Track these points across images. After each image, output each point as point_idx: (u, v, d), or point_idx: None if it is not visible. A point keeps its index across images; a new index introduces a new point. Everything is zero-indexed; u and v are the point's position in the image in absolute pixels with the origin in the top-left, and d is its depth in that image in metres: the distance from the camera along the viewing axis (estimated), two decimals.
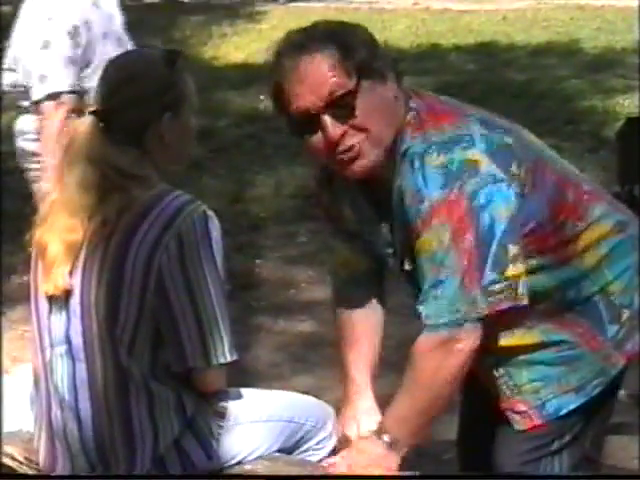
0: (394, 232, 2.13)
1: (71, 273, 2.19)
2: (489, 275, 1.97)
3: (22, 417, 2.45)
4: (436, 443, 3.19)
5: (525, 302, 2.01)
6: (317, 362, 4.38)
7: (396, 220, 2.10)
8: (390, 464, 2.07)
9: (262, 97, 9.78)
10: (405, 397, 2.07)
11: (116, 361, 2.17)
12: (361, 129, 2.02)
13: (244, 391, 2.42)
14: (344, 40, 2.02)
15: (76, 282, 2.20)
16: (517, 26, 12.83)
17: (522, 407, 2.19)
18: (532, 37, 11.92)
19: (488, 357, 2.11)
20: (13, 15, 4.22)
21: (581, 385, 2.18)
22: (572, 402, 2.18)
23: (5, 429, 2.55)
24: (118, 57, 2.42)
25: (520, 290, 2.00)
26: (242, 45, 13.21)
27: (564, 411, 2.18)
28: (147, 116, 2.21)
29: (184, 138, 2.28)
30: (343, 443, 2.33)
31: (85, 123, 2.23)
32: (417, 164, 2.00)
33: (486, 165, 1.97)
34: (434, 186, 1.96)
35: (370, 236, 2.24)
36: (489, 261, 1.96)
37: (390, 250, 2.18)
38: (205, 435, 2.23)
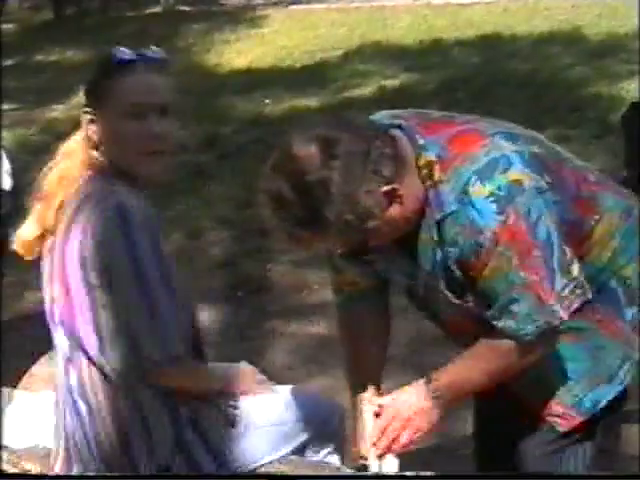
0: (419, 267, 2.12)
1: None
2: (559, 282, 2.00)
3: (38, 432, 2.46)
4: (451, 439, 3.19)
5: (590, 294, 2.06)
6: (331, 363, 4.37)
7: (424, 255, 2.09)
8: (432, 418, 2.11)
9: (267, 101, 9.82)
10: (467, 372, 2.11)
11: (95, 365, 2.19)
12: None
13: (271, 395, 2.42)
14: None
15: (49, 288, 2.26)
16: (519, 17, 12.81)
17: (560, 409, 2.19)
18: (534, 27, 11.89)
19: None
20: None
21: (611, 374, 2.18)
22: (608, 393, 2.19)
23: (22, 445, 2.57)
24: None
25: (585, 284, 2.05)
26: (245, 50, 13.22)
27: (603, 403, 2.19)
28: (84, 106, 2.29)
29: (114, 141, 2.22)
30: (354, 456, 2.29)
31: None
32: (464, 200, 1.99)
33: (527, 180, 1.99)
34: (489, 216, 1.97)
35: (383, 266, 2.24)
36: (557, 269, 2.00)
37: (412, 282, 2.18)
38: (216, 442, 2.23)
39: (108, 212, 2.11)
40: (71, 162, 2.28)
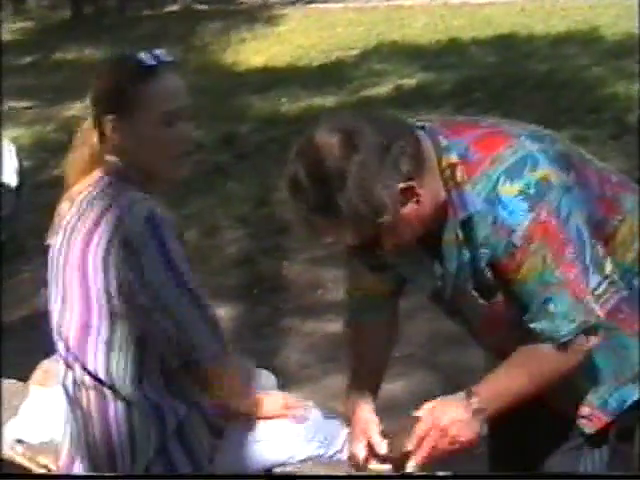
0: (446, 269, 2.11)
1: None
2: (594, 279, 2.00)
3: (53, 427, 2.47)
4: None
5: (625, 291, 2.06)
6: (347, 361, 4.37)
7: (449, 257, 2.08)
8: (473, 430, 2.04)
9: (283, 100, 9.83)
10: (509, 380, 2.06)
11: (90, 371, 2.19)
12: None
13: None
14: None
15: (54, 288, 2.25)
16: (536, 17, 12.80)
17: (586, 410, 2.17)
18: (551, 27, 11.88)
19: None
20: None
21: (636, 373, 2.17)
22: (633, 393, 2.17)
23: (38, 440, 2.58)
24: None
25: (619, 281, 2.05)
26: (261, 49, 13.24)
27: (629, 402, 2.17)
28: (98, 117, 2.24)
29: (146, 146, 2.21)
30: (352, 460, 2.27)
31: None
32: (493, 199, 1.98)
33: (555, 177, 1.98)
34: (520, 213, 1.96)
35: (408, 270, 2.24)
36: (590, 266, 1.99)
37: (439, 283, 2.17)
38: (197, 453, 2.24)
39: (140, 224, 2.11)
40: (83, 163, 2.27)
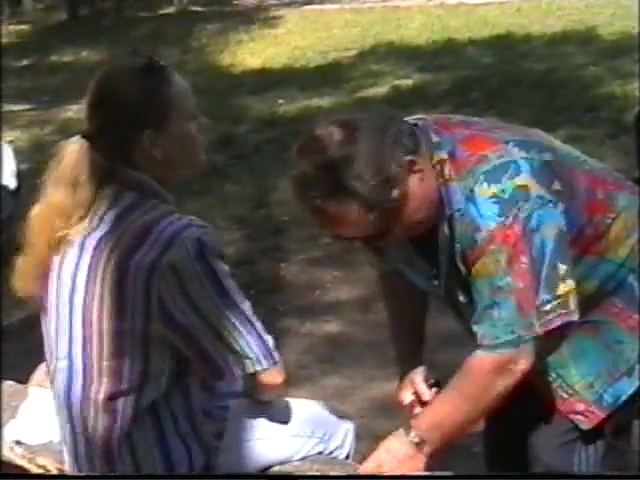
0: (440, 266, 2.15)
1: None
2: (542, 295, 2.00)
3: (53, 429, 2.47)
4: (466, 436, 3.19)
5: (576, 317, 2.03)
6: (345, 362, 4.39)
7: (442, 254, 2.11)
8: (417, 465, 2.07)
9: (280, 101, 9.85)
10: (446, 405, 2.07)
11: (116, 390, 2.16)
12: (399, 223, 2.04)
13: (266, 403, 2.43)
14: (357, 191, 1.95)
15: (78, 300, 2.18)
16: (532, 17, 12.82)
17: (581, 406, 2.18)
18: (548, 27, 11.91)
19: (537, 363, 2.09)
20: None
21: (630, 367, 2.18)
22: (628, 387, 2.18)
23: (37, 441, 2.59)
24: (99, 75, 2.26)
25: (571, 306, 2.03)
26: (258, 51, 13.26)
27: (623, 397, 2.18)
28: (128, 134, 2.15)
29: (181, 147, 2.19)
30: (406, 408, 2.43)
31: (73, 143, 2.19)
32: (469, 197, 2.02)
33: (534, 188, 2.00)
34: (490, 216, 1.99)
35: (407, 268, 2.27)
36: (542, 282, 2.00)
37: (435, 282, 2.20)
38: (199, 456, 2.24)
39: (188, 249, 2.08)
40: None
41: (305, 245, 5.84)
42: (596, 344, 2.17)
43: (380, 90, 9.90)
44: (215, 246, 2.13)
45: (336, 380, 4.21)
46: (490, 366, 2.01)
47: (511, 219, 1.97)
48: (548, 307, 1.99)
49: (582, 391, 2.18)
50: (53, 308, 2.24)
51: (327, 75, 11.05)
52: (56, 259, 2.21)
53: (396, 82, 10.12)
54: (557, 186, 2.04)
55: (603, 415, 2.18)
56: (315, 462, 2.38)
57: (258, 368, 2.17)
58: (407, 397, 2.44)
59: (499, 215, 1.98)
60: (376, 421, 3.64)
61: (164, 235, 2.08)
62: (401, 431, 2.09)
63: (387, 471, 2.06)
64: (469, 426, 2.10)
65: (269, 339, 2.19)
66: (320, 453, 2.41)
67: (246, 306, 2.17)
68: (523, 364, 2.00)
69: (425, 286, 2.27)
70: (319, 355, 4.51)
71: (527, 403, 2.06)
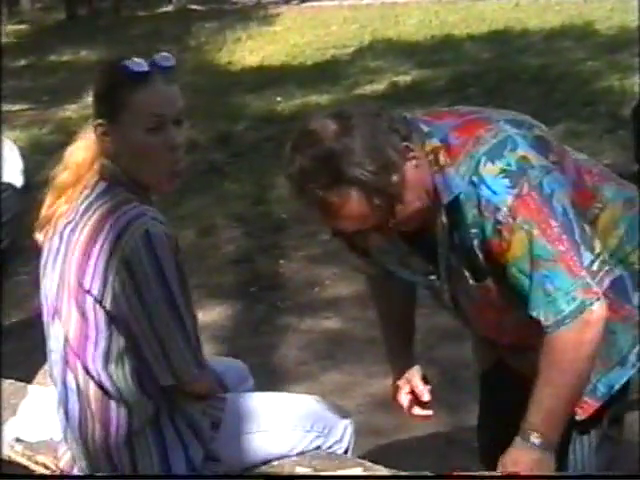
0: (439, 260, 2.14)
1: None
2: (586, 256, 2.00)
3: (52, 426, 2.48)
4: (465, 430, 3.20)
5: (618, 272, 2.05)
6: (345, 359, 4.39)
7: (440, 246, 2.11)
8: (548, 467, 2.02)
9: (279, 98, 9.84)
10: (548, 389, 2.01)
11: (93, 377, 2.20)
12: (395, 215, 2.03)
13: (266, 396, 2.44)
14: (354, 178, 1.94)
15: (52, 293, 2.25)
16: (530, 12, 12.81)
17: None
18: (546, 22, 11.89)
19: (531, 354, 2.08)
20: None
21: (623, 357, 2.19)
22: (620, 376, 2.19)
23: (36, 438, 2.59)
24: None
25: (610, 262, 2.04)
26: (257, 48, 13.25)
27: (617, 387, 2.19)
28: (95, 116, 2.25)
29: (128, 151, 2.21)
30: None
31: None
32: (475, 181, 2.01)
33: (535, 159, 2.01)
34: (503, 191, 1.98)
35: (401, 269, 2.27)
36: (580, 244, 1.99)
37: (433, 277, 2.19)
38: (195, 449, 2.26)
39: (137, 243, 2.10)
40: (82, 163, 2.27)
41: (304, 242, 5.84)
42: None
43: (378, 87, 9.90)
44: (163, 237, 2.13)
45: (336, 376, 4.22)
46: (566, 335, 1.97)
47: (525, 188, 1.97)
48: (595, 267, 2.01)
49: None
50: (43, 298, 2.30)
51: (325, 72, 11.04)
52: (46, 243, 2.28)
53: (394, 78, 10.11)
54: (553, 158, 2.05)
55: (597, 405, 2.18)
56: (315, 457, 2.39)
57: (187, 379, 2.21)
58: (404, 398, 2.43)
59: (512, 187, 1.97)
60: (375, 417, 3.65)
61: (118, 225, 2.13)
62: (518, 439, 2.04)
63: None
64: (577, 397, 2.07)
65: (198, 343, 2.21)
66: (318, 448, 2.41)
67: (183, 309, 2.17)
68: (596, 319, 1.97)
69: (423, 283, 2.26)
70: (319, 352, 4.51)
71: (521, 394, 2.06)
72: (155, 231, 2.12)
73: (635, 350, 2.19)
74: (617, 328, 2.16)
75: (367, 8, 15.40)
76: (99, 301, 2.14)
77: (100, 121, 2.22)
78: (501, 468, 2.07)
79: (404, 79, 10.04)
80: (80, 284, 2.16)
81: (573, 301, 1.96)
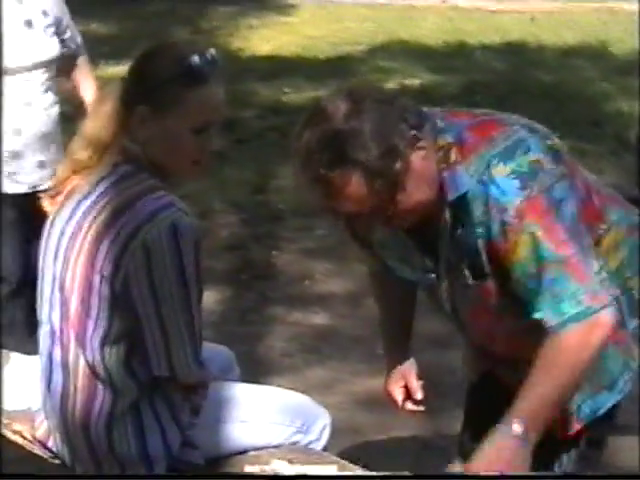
0: (439, 257, 2.13)
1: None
2: (594, 264, 1.99)
3: (32, 396, 2.47)
4: (444, 437, 3.20)
5: (618, 292, 2.04)
6: (330, 355, 4.39)
7: (442, 243, 2.10)
8: (524, 459, 1.98)
9: (286, 90, 9.82)
10: (540, 386, 1.98)
11: (85, 355, 2.20)
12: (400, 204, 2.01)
13: (248, 388, 2.44)
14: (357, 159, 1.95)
15: (58, 265, 2.23)
16: (546, 27, 12.79)
17: (557, 416, 2.15)
18: (561, 38, 11.87)
19: (522, 367, 2.07)
20: None
21: (612, 382, 2.19)
22: (607, 400, 2.19)
23: (15, 407, 2.58)
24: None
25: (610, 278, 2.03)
26: (270, 37, 13.20)
27: (601, 411, 2.19)
28: (129, 96, 2.21)
29: (163, 145, 2.20)
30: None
31: (114, 85, 2.28)
32: (485, 180, 2.00)
33: (548, 164, 2.01)
34: (512, 192, 1.98)
35: (401, 265, 2.27)
36: (587, 251, 1.99)
37: (431, 275, 2.18)
38: (173, 434, 2.26)
39: (161, 230, 2.10)
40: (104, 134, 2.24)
41: (300, 235, 5.84)
42: None
43: (387, 87, 9.88)
44: (189, 232, 2.12)
45: (320, 372, 4.22)
46: (573, 341, 1.96)
47: (535, 191, 1.96)
48: (604, 274, 1.99)
49: None
50: (40, 271, 2.28)
51: (336, 67, 11.01)
52: (55, 214, 2.25)
53: (404, 81, 10.09)
54: (564, 170, 2.05)
55: (578, 426, 2.18)
56: (292, 451, 2.39)
57: (183, 374, 2.21)
58: (398, 392, 2.48)
59: (521, 189, 1.97)
60: (357, 415, 3.65)
61: (143, 211, 2.10)
62: (499, 426, 2.02)
63: (498, 469, 1.98)
64: (568, 397, 2.06)
65: (200, 340, 2.21)
66: (296, 443, 2.41)
67: (195, 306, 2.17)
68: (604, 327, 1.96)
69: (421, 281, 2.25)
70: (304, 345, 4.51)
71: (503, 409, 2.05)
72: (182, 224, 2.12)
73: (625, 376, 2.18)
74: (609, 352, 2.15)
75: (385, 8, 15.36)
76: (109, 281, 2.12)
77: (142, 107, 2.18)
78: (477, 452, 2.04)
79: (413, 82, 10.02)
80: (92, 264, 2.14)
81: (579, 305, 1.95)
